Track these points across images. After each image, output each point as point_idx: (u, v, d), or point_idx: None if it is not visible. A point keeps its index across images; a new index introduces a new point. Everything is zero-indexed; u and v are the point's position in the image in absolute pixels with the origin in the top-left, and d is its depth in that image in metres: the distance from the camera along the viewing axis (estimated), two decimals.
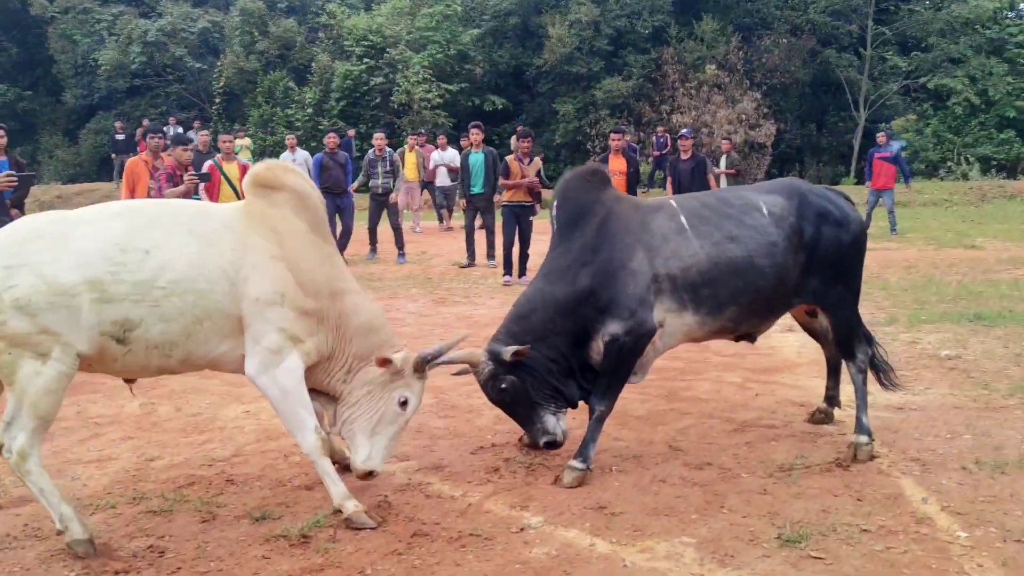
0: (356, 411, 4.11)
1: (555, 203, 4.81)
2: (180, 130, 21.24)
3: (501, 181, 11.51)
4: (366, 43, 27.05)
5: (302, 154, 16.67)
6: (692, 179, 11.48)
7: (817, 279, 4.78)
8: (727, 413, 5.67)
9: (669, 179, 12.32)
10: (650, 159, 24.67)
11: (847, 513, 4.07)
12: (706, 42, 27.34)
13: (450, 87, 27.36)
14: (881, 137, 16.69)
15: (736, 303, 4.63)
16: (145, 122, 21.99)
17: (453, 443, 5.16)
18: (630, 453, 4.92)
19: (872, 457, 4.73)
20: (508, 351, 4.38)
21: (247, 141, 21.43)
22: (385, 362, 4.02)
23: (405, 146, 16.89)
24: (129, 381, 4.25)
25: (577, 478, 4.43)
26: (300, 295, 3.91)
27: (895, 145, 17.22)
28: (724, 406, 5.84)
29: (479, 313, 9.52)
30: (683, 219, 4.64)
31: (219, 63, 28.55)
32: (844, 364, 5.12)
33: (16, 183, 7.45)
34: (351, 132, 22.86)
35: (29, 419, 3.59)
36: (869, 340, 5.02)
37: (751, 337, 5.06)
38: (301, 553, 3.71)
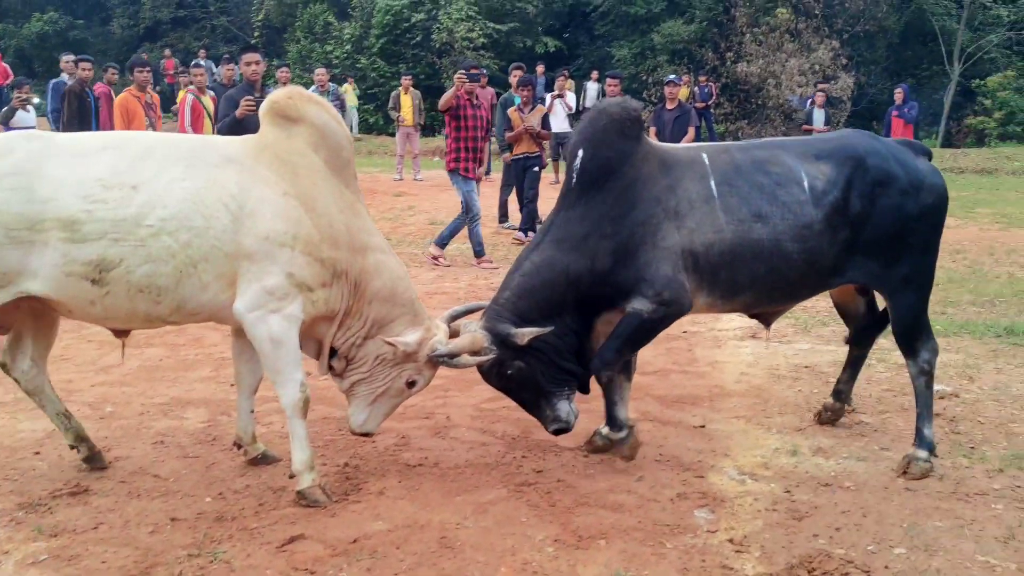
0: (364, 377, 3.86)
1: (577, 151, 4.04)
2: (210, 64, 20.33)
3: (507, 136, 10.65)
4: None
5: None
6: (673, 130, 10.59)
7: (869, 258, 4.09)
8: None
9: (653, 129, 10.96)
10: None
11: None
12: None
13: (499, 27, 25.47)
14: (898, 94, 15.31)
15: (754, 288, 4.07)
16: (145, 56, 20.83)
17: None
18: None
19: (925, 475, 3.96)
20: (524, 334, 3.81)
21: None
22: (391, 345, 3.73)
23: (400, 88, 15.29)
24: (121, 334, 3.89)
25: (632, 447, 4.15)
26: (315, 239, 3.59)
27: (914, 104, 15.53)
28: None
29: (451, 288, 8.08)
30: (712, 184, 4.01)
31: None
32: (906, 363, 4.32)
33: (255, 108, 7.07)
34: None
35: None
36: (933, 339, 4.26)
37: (766, 320, 4.55)
38: None
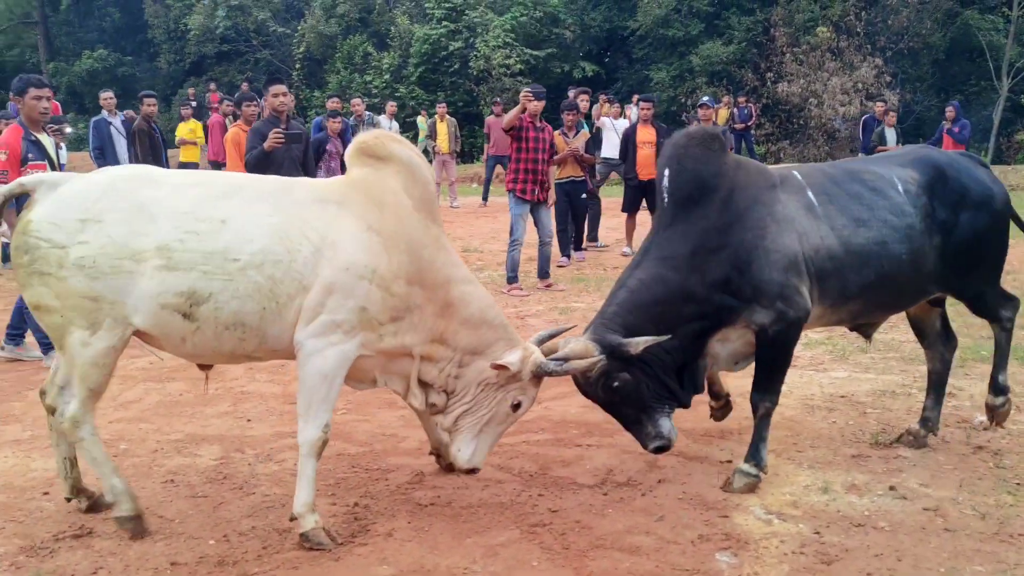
0: (469, 407, 3.84)
1: (667, 173, 4.11)
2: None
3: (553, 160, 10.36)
4: (447, 5, 25.53)
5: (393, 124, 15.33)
6: None
7: (952, 267, 4.28)
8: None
9: None
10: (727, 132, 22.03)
11: None
12: (820, 1, 24.33)
13: (537, 52, 25.54)
14: (950, 112, 14.77)
15: (863, 296, 4.16)
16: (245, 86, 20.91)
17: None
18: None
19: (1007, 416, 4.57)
20: (638, 343, 3.77)
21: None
22: (500, 368, 3.71)
23: (436, 116, 15.33)
24: (204, 367, 4.01)
25: (749, 485, 4.05)
26: (391, 274, 3.58)
27: (966, 123, 14.94)
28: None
29: None
30: (811, 195, 4.12)
31: (300, 27, 27.72)
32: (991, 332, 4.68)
33: (283, 141, 7.24)
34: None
35: (80, 388, 3.53)
36: (1011, 298, 4.56)
37: (866, 332, 4.59)
38: None
